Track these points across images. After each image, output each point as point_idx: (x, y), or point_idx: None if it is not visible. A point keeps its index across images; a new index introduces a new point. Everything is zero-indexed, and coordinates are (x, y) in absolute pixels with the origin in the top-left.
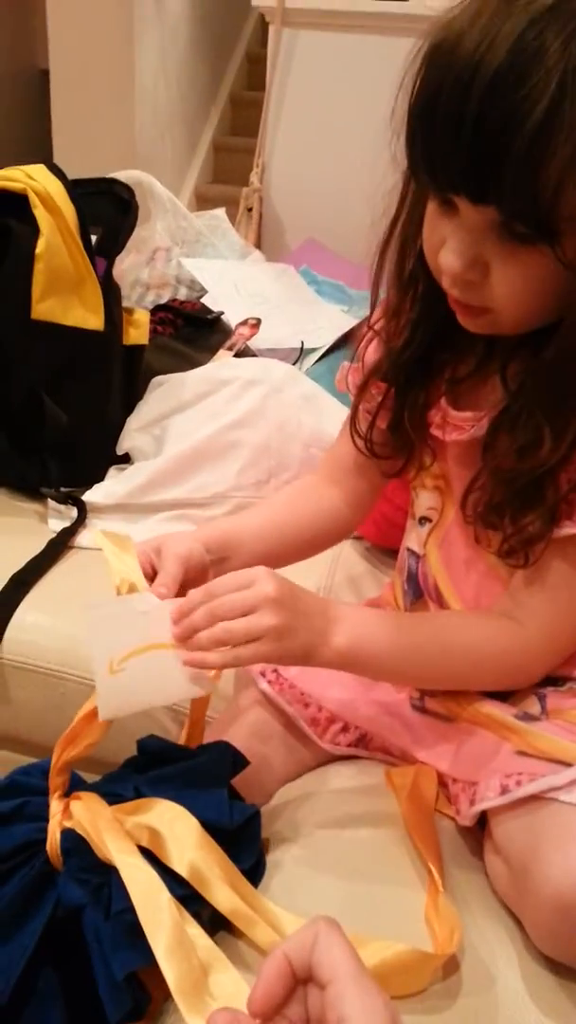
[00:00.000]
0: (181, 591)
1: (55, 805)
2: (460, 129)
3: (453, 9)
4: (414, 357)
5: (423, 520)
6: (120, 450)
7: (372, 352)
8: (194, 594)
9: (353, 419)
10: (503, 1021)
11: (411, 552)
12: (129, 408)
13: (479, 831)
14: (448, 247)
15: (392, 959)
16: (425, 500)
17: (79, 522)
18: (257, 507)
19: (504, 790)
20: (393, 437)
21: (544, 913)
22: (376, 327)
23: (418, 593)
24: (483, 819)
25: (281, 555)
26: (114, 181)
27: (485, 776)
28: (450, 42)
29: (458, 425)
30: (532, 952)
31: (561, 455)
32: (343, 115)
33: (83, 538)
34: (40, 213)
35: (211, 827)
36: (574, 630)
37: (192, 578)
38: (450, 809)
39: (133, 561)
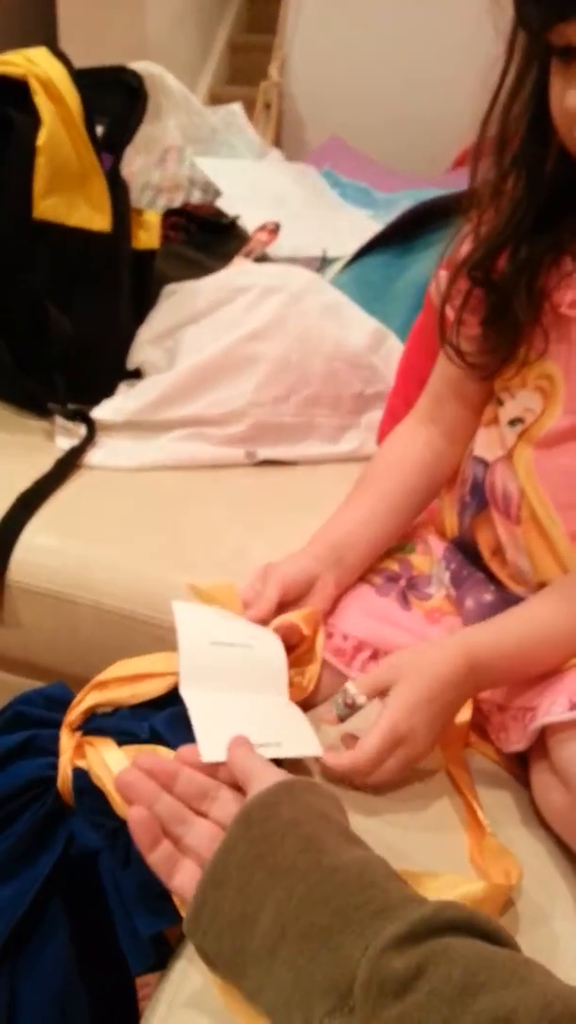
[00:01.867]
0: (282, 609)
1: (66, 740)
2: None
3: None
4: (520, 237)
5: (514, 421)
6: (130, 364)
7: (465, 249)
8: (347, 769)
9: (443, 329)
10: (563, 957)
11: (479, 460)
12: (140, 319)
13: (518, 766)
14: (573, 89)
15: (458, 898)
16: (522, 400)
17: (88, 440)
18: (360, 485)
19: (574, 706)
20: (487, 334)
21: None
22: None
23: (482, 505)
24: (521, 755)
25: (398, 526)
26: (122, 69)
27: (547, 698)
28: None
29: None
30: None
31: None
32: (369, 3)
33: (92, 456)
34: (41, 100)
35: None
36: None
37: (296, 596)
38: (485, 745)
39: (237, 608)
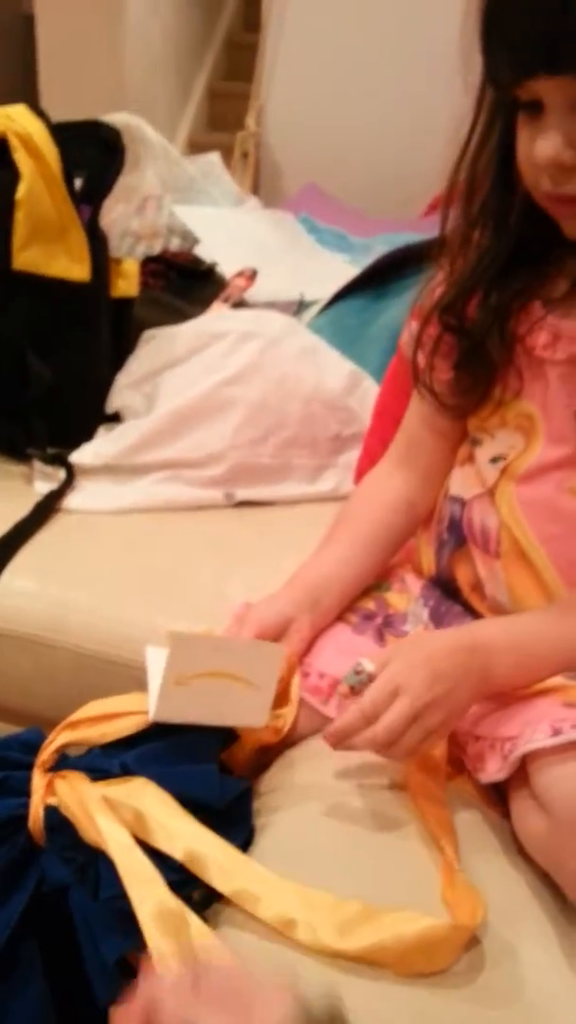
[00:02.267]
0: None
1: (38, 780)
2: (524, 8)
3: None
4: (489, 283)
5: (496, 459)
6: (109, 408)
7: (436, 295)
8: (350, 718)
9: (416, 373)
10: (531, 993)
11: (455, 499)
12: (119, 364)
13: (495, 796)
14: (540, 139)
15: (413, 934)
16: (503, 439)
17: (67, 484)
18: (336, 527)
19: (556, 732)
20: (459, 377)
21: None
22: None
23: (460, 542)
24: (498, 784)
25: (373, 566)
26: (99, 123)
27: (528, 726)
28: None
29: (573, 338)
30: (563, 919)
31: None
32: (345, 54)
33: (71, 500)
34: (21, 156)
35: (200, 804)
36: None
37: (272, 638)
38: (464, 776)
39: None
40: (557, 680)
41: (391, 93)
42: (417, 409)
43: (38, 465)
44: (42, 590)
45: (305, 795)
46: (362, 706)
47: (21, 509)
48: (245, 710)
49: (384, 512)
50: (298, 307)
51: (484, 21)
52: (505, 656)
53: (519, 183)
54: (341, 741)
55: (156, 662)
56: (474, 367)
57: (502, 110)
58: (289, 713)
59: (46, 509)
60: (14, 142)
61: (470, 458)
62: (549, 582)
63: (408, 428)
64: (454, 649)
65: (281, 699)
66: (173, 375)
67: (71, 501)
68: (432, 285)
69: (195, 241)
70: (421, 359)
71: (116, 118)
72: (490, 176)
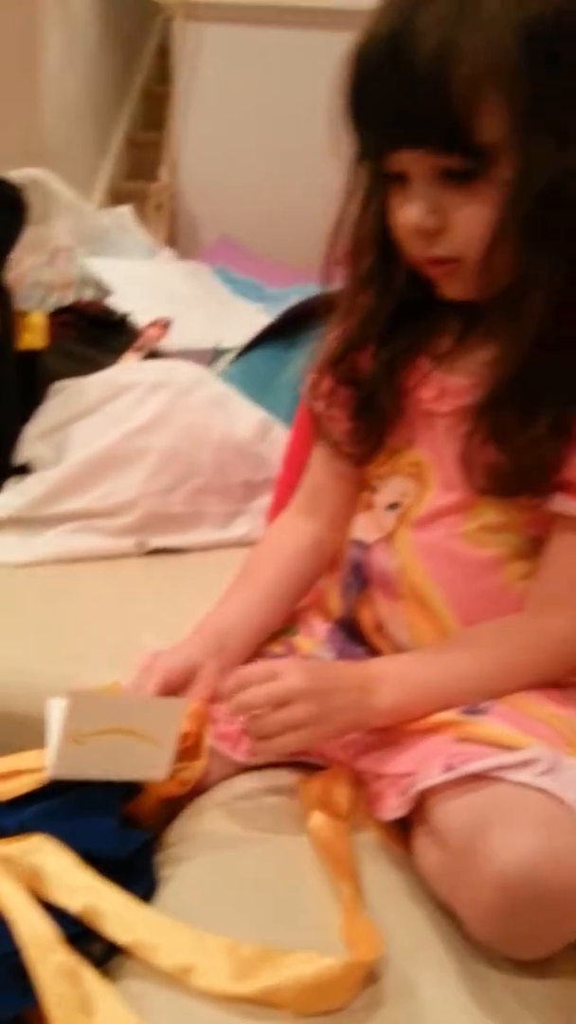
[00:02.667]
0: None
1: None
2: (378, 89)
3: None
4: (377, 340)
5: (392, 506)
6: (18, 460)
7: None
8: (225, 685)
9: (317, 422)
10: None
11: (357, 543)
12: (27, 416)
13: (399, 833)
14: (405, 207)
15: (313, 974)
16: (395, 486)
17: None
18: (241, 574)
19: (449, 768)
20: (356, 427)
21: (486, 893)
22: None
23: (363, 585)
24: (402, 820)
25: (279, 612)
26: (1, 181)
27: (423, 763)
28: (361, 37)
29: (458, 392)
30: (462, 952)
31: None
32: (255, 110)
33: None
34: None
35: (101, 858)
36: None
37: (180, 685)
38: (366, 814)
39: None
40: (451, 715)
41: (300, 145)
42: (320, 456)
43: None
44: None
45: (210, 843)
46: (243, 676)
47: None
48: (145, 765)
49: (290, 558)
50: (214, 355)
51: (346, 100)
52: (393, 689)
53: (400, 250)
54: (239, 685)
55: (57, 717)
56: (368, 417)
57: (378, 180)
58: (199, 766)
59: None
60: None
61: (369, 505)
62: (445, 622)
63: (312, 474)
64: (345, 674)
65: (192, 752)
66: (83, 426)
67: None
68: (328, 339)
69: (108, 292)
70: (320, 409)
71: (22, 173)
72: (374, 242)
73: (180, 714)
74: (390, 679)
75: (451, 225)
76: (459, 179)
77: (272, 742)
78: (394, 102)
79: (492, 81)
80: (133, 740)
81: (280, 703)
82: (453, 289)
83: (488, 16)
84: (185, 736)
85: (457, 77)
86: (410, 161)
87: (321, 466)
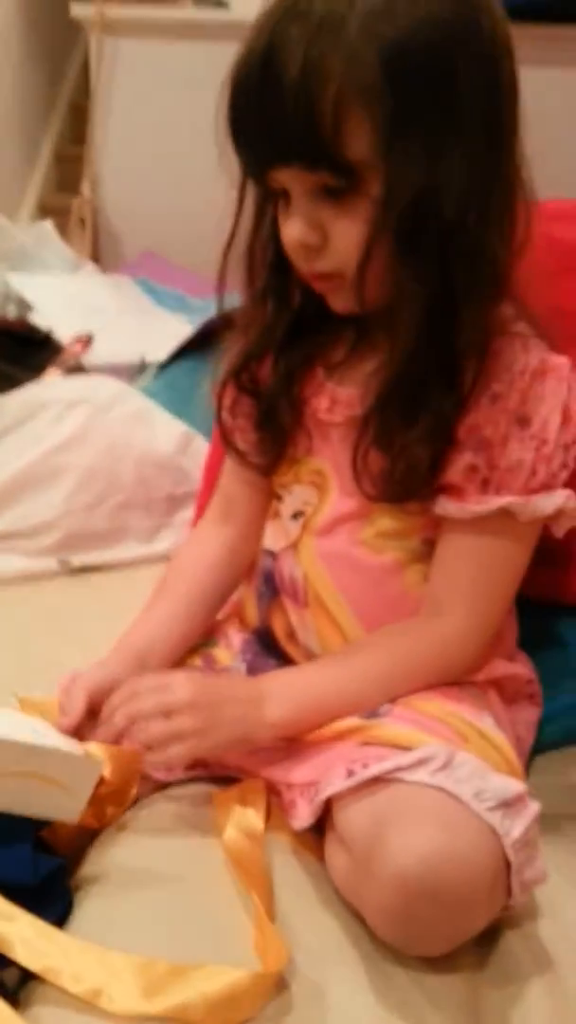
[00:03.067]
0: (92, 716)
1: None
2: (251, 110)
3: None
4: (275, 351)
5: (296, 515)
6: None
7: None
8: (115, 697)
9: (224, 432)
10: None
11: (267, 552)
12: None
13: (315, 839)
14: (288, 224)
15: (218, 988)
16: (299, 495)
17: None
18: (159, 588)
19: (350, 774)
20: (259, 437)
21: (386, 894)
22: (230, 340)
23: (274, 593)
24: (319, 825)
25: (198, 625)
26: None
27: (327, 770)
28: (237, 58)
29: (349, 403)
30: (372, 954)
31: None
32: (173, 123)
33: None
34: None
35: (13, 885)
36: (502, 607)
37: (103, 702)
38: (282, 823)
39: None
40: (352, 721)
41: (216, 156)
42: (231, 466)
43: None
44: None
45: (124, 864)
46: (134, 687)
47: None
48: (58, 808)
49: (206, 570)
50: (139, 369)
51: (227, 119)
52: (281, 701)
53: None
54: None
55: None
56: (269, 428)
57: (268, 196)
58: (120, 811)
59: None
60: None
61: (276, 513)
62: (348, 629)
63: (224, 485)
64: (236, 687)
65: (119, 796)
66: (1, 445)
67: None
68: (229, 351)
69: (30, 308)
70: (227, 418)
71: None
72: (267, 257)
73: (95, 774)
74: (278, 692)
75: (330, 241)
76: (335, 195)
77: (159, 752)
78: (264, 120)
79: (356, 100)
80: (47, 785)
81: (167, 713)
82: (338, 303)
83: (349, 36)
84: (106, 783)
85: (322, 96)
86: (289, 178)
87: (231, 476)
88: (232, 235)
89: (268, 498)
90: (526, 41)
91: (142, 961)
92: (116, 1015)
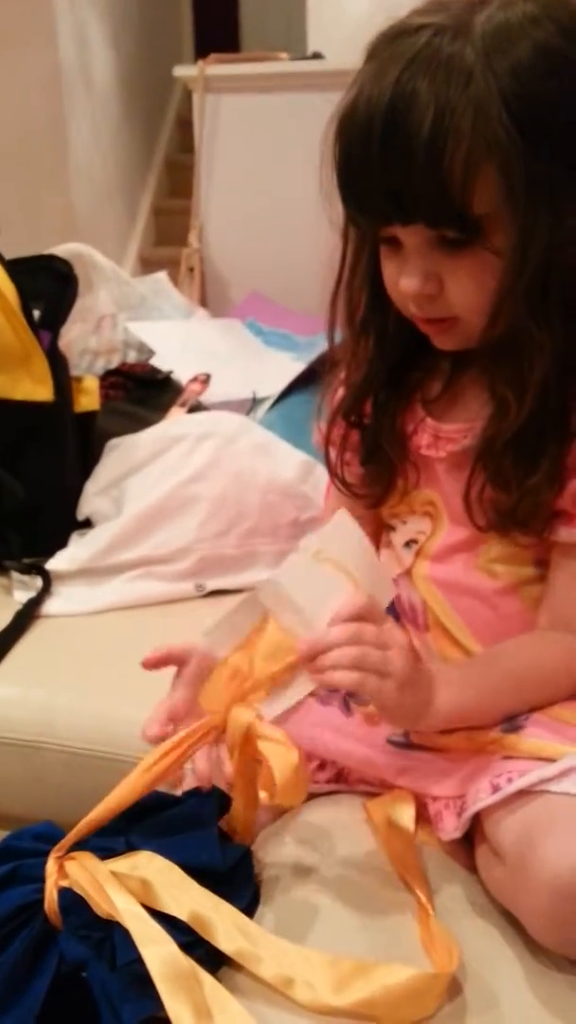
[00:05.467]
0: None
1: (51, 865)
2: (372, 168)
3: (352, 78)
4: (379, 387)
5: (409, 543)
6: (80, 515)
7: (337, 397)
8: (344, 626)
9: (331, 467)
10: None
11: None
12: (86, 473)
13: (463, 849)
14: (404, 274)
15: (399, 985)
16: (413, 525)
17: (44, 591)
18: None
19: (495, 789)
20: (367, 471)
21: (542, 899)
22: (339, 376)
23: (396, 617)
24: (467, 835)
25: None
26: (52, 257)
27: (472, 785)
28: (348, 108)
29: (451, 438)
30: (535, 959)
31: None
32: (271, 170)
33: (50, 606)
34: None
35: (205, 870)
36: None
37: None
38: (429, 833)
39: None
40: (492, 734)
41: (315, 199)
42: (338, 497)
43: (16, 575)
44: (27, 695)
45: (295, 860)
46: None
47: (2, 619)
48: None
49: None
50: (252, 404)
51: (338, 177)
52: (447, 705)
53: (391, 301)
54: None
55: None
56: (377, 462)
57: (367, 242)
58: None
59: (26, 617)
60: None
61: (388, 543)
62: (471, 650)
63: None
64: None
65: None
66: (137, 479)
67: (50, 607)
68: (334, 387)
69: (151, 353)
70: (332, 455)
71: (68, 248)
72: (365, 296)
73: (392, 595)
74: (454, 687)
75: (446, 289)
76: (453, 246)
77: (343, 675)
78: (387, 179)
79: (485, 156)
80: (345, 583)
81: (384, 646)
82: (447, 342)
83: (478, 88)
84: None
85: (454, 155)
86: (404, 233)
87: (338, 505)
88: (339, 281)
89: (376, 528)
90: None
91: (332, 957)
92: (305, 1005)
